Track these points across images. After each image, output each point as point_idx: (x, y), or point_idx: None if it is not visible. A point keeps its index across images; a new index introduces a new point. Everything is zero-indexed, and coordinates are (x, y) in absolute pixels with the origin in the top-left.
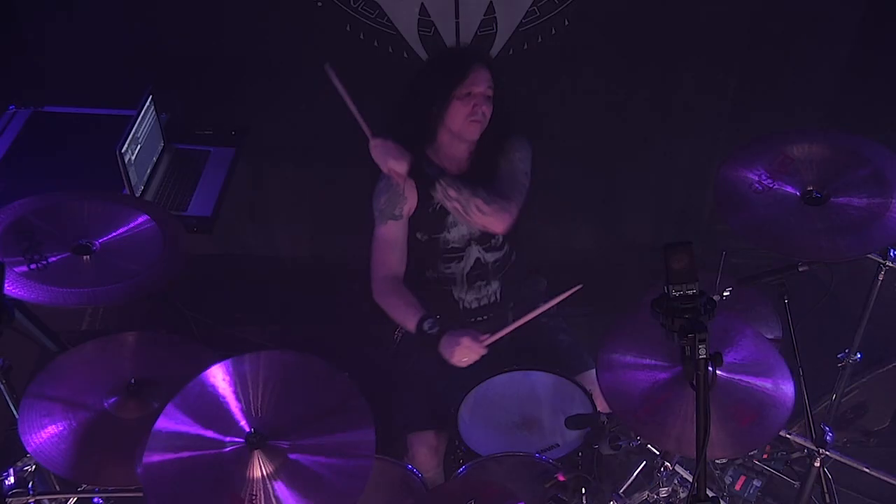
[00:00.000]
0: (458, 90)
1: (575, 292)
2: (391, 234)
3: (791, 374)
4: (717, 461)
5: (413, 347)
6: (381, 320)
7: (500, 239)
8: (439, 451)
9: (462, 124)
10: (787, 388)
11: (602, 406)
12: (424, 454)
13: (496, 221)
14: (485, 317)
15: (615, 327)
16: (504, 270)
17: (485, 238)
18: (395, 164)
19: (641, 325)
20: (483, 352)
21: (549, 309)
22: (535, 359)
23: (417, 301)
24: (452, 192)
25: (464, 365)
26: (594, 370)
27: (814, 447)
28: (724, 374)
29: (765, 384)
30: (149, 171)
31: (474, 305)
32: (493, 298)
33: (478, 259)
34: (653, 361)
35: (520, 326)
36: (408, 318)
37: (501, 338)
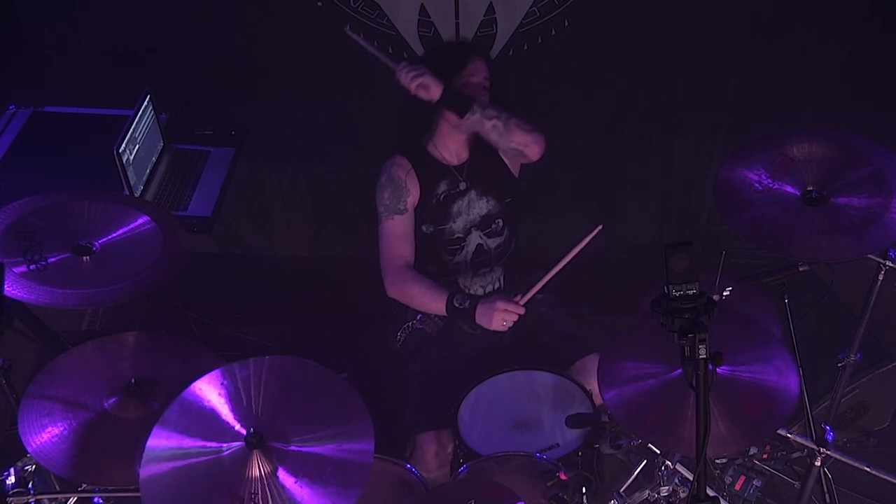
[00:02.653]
0: (455, 80)
1: (598, 233)
2: (399, 228)
3: (790, 357)
4: (717, 461)
5: (415, 347)
6: (382, 320)
7: (500, 224)
8: (446, 451)
9: None
10: (790, 372)
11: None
12: (432, 453)
13: (535, 139)
14: None
15: (613, 342)
16: (506, 257)
17: (485, 223)
18: (431, 82)
19: (638, 334)
20: (521, 311)
21: (575, 256)
22: (537, 347)
23: (437, 283)
24: (492, 111)
25: (504, 329)
26: (596, 354)
27: (814, 446)
28: (726, 370)
29: (767, 373)
30: (148, 170)
31: (480, 293)
32: (497, 285)
33: (480, 245)
34: (653, 369)
35: (550, 280)
36: (434, 301)
37: (533, 295)
